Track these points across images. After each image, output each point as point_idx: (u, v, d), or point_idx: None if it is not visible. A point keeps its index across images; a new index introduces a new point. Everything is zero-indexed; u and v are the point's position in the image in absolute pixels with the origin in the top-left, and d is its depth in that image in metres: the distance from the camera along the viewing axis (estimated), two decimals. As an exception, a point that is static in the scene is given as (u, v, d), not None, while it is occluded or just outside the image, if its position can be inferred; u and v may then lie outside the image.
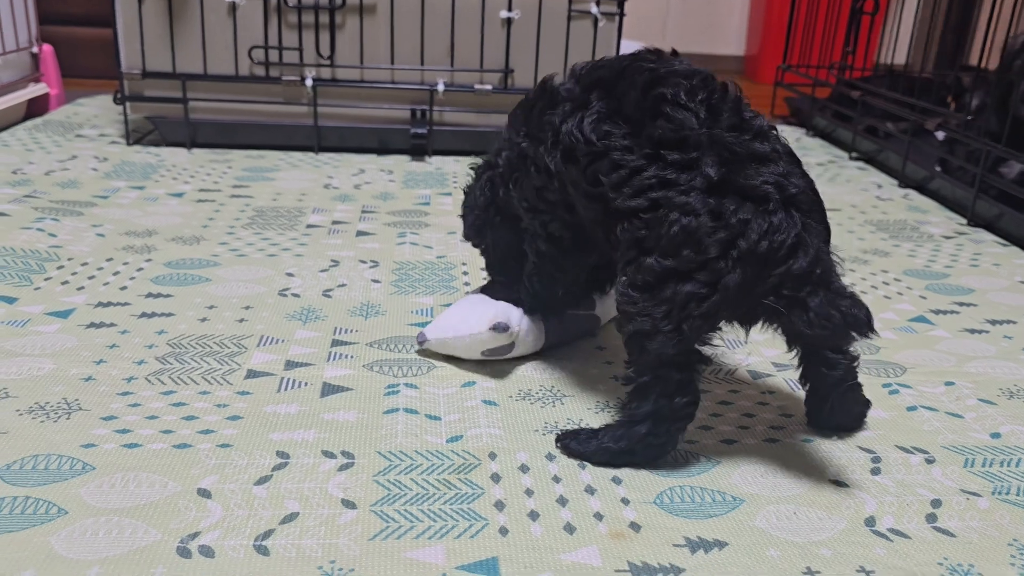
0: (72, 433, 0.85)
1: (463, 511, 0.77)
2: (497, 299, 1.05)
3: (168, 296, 1.18)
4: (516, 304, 1.04)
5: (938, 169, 1.92)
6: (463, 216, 1.09)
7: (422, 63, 1.92)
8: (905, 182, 1.99)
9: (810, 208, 0.78)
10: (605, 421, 0.93)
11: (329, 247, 1.40)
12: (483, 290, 1.10)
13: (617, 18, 1.94)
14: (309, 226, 1.49)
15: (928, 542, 0.76)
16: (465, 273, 1.32)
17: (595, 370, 1.04)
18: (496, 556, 0.72)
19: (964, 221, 1.74)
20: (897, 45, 2.80)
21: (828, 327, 0.75)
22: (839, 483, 0.85)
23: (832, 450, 0.90)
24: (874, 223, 1.70)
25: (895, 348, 1.15)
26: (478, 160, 1.08)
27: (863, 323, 0.76)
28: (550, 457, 0.86)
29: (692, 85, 0.81)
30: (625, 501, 0.80)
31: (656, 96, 0.81)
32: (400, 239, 1.45)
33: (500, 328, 0.98)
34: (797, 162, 0.82)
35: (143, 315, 1.12)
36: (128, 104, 1.90)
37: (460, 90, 1.94)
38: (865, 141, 2.23)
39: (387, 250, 1.40)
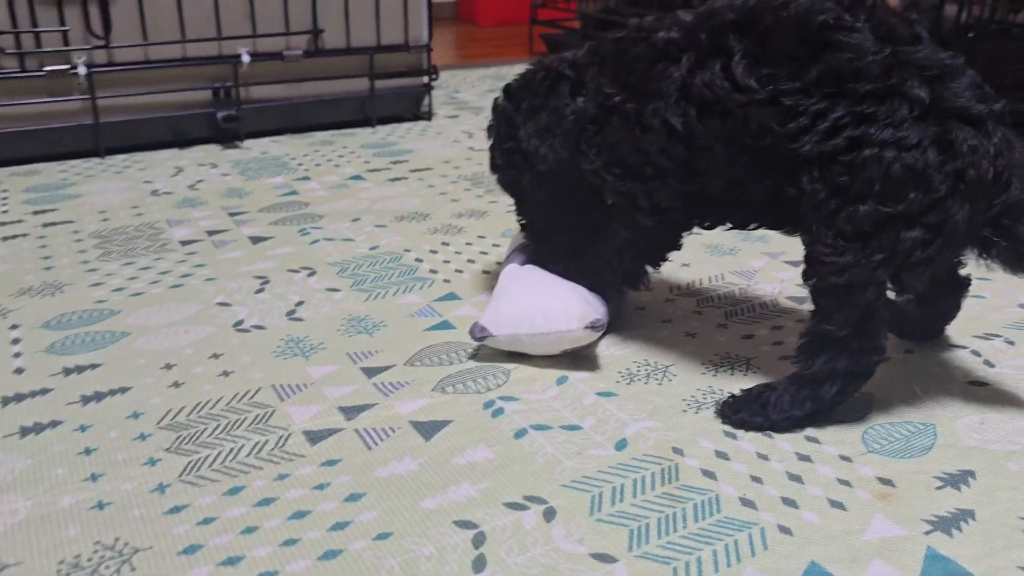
0: (157, 585, 0.59)
1: (724, 522, 0.65)
2: (554, 272, 0.91)
3: (96, 366, 0.87)
4: (579, 280, 0.91)
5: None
6: (493, 162, 0.96)
7: (219, 32, 1.61)
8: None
9: (1004, 121, 0.73)
10: (725, 381, 0.85)
11: (235, 263, 1.12)
12: (530, 258, 0.95)
13: (426, -39, 1.77)
14: (183, 243, 1.19)
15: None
16: (419, 260, 1.13)
17: (664, 332, 0.95)
18: (812, 559, 0.62)
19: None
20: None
21: None
22: (978, 382, 0.85)
23: (935, 354, 0.91)
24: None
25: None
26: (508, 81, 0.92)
27: None
28: (731, 436, 0.76)
29: (849, 5, 0.72)
30: (846, 459, 0.73)
31: (818, 25, 0.71)
32: (305, 236, 1.21)
33: (597, 326, 0.85)
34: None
35: (85, 400, 0.81)
36: None
37: (267, 59, 1.67)
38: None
39: (306, 252, 1.16)
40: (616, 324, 0.96)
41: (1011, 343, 0.93)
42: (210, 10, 1.59)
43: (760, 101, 0.73)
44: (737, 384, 0.84)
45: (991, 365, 0.89)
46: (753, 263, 1.14)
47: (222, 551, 0.62)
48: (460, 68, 2.57)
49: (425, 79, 1.86)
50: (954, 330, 0.95)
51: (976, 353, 0.91)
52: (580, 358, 0.89)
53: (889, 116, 0.68)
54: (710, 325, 0.97)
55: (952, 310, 0.90)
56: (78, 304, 1.00)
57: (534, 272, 0.92)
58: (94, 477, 0.70)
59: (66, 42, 1.49)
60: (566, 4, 2.60)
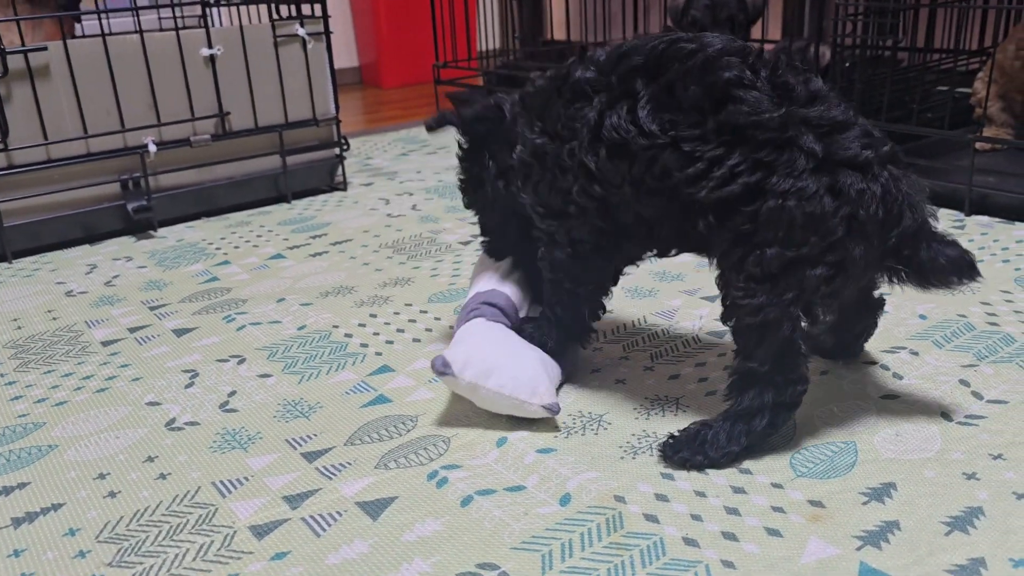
0: None
1: (672, 563, 0.68)
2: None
3: (24, 485, 0.85)
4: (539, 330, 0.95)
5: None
6: (464, 189, 1.03)
7: (122, 125, 1.60)
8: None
9: (895, 162, 0.79)
10: (657, 424, 0.88)
11: (161, 358, 1.11)
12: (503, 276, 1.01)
13: (324, 37, 1.80)
14: (105, 343, 1.17)
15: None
16: (348, 335, 1.14)
17: (595, 382, 0.98)
18: (756, 591, 0.64)
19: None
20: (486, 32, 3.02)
21: (947, 274, 0.77)
22: (890, 395, 0.90)
23: (848, 373, 0.96)
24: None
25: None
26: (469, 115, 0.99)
27: (973, 261, 0.79)
28: (668, 477, 0.79)
29: (751, 63, 0.77)
30: (778, 485, 0.77)
31: (721, 81, 0.76)
32: (231, 323, 1.21)
33: (552, 410, 0.87)
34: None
35: (18, 522, 0.79)
36: None
37: (175, 146, 1.66)
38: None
39: (234, 340, 1.15)
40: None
41: (915, 353, 0.99)
42: (111, 103, 1.59)
43: (661, 145, 0.77)
44: (669, 425, 0.87)
45: (900, 377, 0.94)
46: (672, 303, 1.18)
47: (177, 662, 0.61)
48: (370, 134, 2.60)
49: (336, 151, 1.88)
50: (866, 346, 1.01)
51: (885, 367, 0.96)
52: (507, 418, 0.91)
53: (789, 167, 0.74)
54: (638, 369, 1.00)
55: (870, 328, 0.96)
56: None
57: (508, 331, 0.93)
58: (36, 602, 0.68)
59: (-37, 150, 1.46)
60: (467, 63, 2.66)
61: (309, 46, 1.79)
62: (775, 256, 0.74)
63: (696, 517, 0.73)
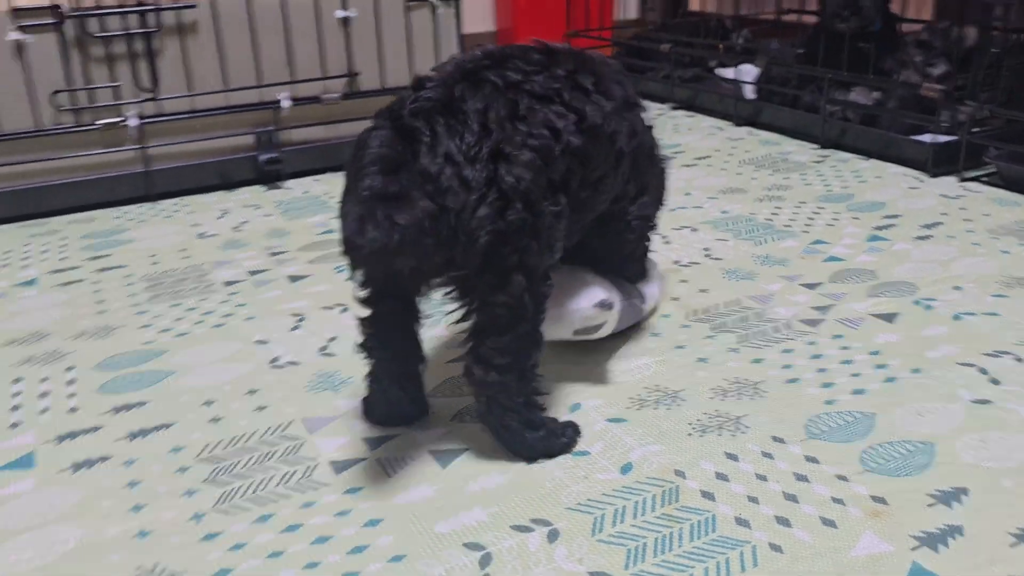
0: (192, 606, 0.65)
1: (718, 540, 0.69)
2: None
3: (141, 404, 0.94)
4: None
5: (753, 97, 2.07)
6: None
7: (259, 81, 1.70)
8: (739, 120, 2.11)
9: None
10: (731, 406, 0.88)
11: (274, 301, 1.19)
12: None
13: (454, 4, 1.84)
14: (227, 283, 1.26)
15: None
16: (446, 294, 1.19)
17: (677, 357, 0.98)
18: (800, 577, 0.65)
19: (815, 145, 1.88)
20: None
21: None
22: (982, 400, 0.87)
23: (943, 372, 0.93)
24: (747, 162, 1.78)
25: (885, 268, 1.21)
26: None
27: None
28: (732, 457, 0.80)
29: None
30: (843, 478, 0.76)
31: None
32: (341, 273, 1.28)
33: (605, 305, 0.91)
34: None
35: (132, 436, 0.88)
36: None
37: (306, 103, 1.75)
38: (679, 90, 2.33)
39: (341, 290, 1.22)
40: (632, 349, 1.00)
41: (1020, 360, 0.95)
42: (250, 60, 1.69)
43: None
44: (743, 408, 0.87)
45: (997, 383, 0.90)
46: (770, 287, 1.17)
47: (250, 575, 0.68)
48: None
49: (457, 114, 1.93)
50: (963, 347, 0.97)
51: (984, 371, 0.93)
52: (589, 380, 0.93)
53: None
54: (722, 350, 1.00)
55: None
56: (128, 345, 1.08)
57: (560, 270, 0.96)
58: (137, 508, 0.77)
59: (117, 97, 1.59)
60: (599, 33, 2.65)
61: (439, 11, 1.84)
62: None
63: (753, 499, 0.74)
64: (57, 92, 1.55)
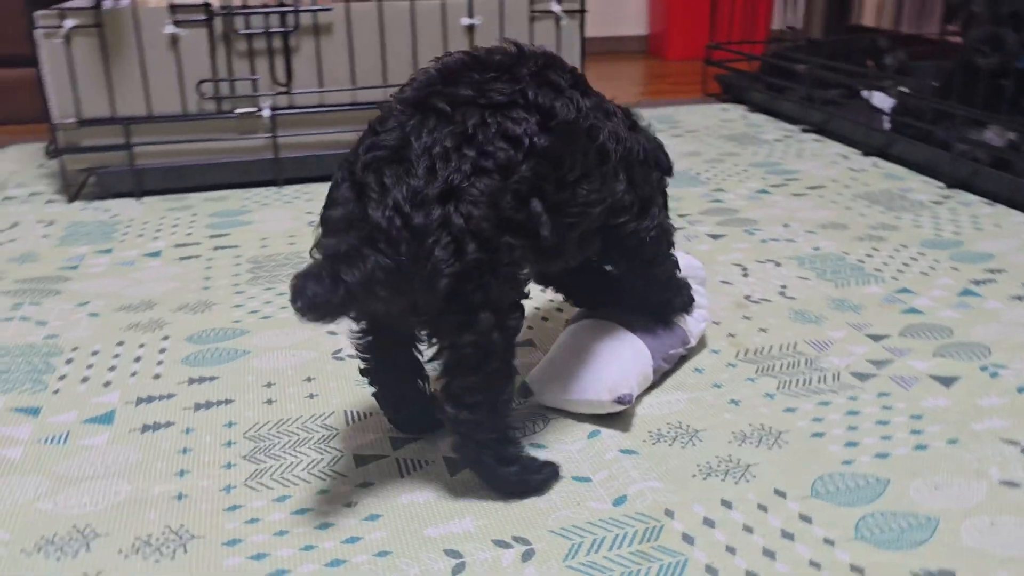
0: (201, 570, 0.74)
1: (680, 586, 0.71)
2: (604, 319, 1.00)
3: (213, 379, 1.05)
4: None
5: (888, 127, 1.98)
6: None
7: (384, 81, 1.81)
8: (868, 150, 2.04)
9: None
10: (747, 453, 0.89)
11: (354, 295, 1.29)
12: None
13: (578, 15, 1.88)
14: (319, 273, 1.37)
15: None
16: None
17: (709, 396, 1.00)
18: (747, 634, 0.66)
19: (941, 184, 1.79)
20: (787, 11, 2.88)
21: None
22: (1010, 483, 0.84)
23: (980, 448, 0.89)
24: (862, 196, 1.73)
25: (965, 327, 1.16)
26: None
27: None
28: (727, 504, 0.81)
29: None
30: (829, 542, 0.76)
31: None
32: (422, 275, 1.36)
33: (625, 401, 0.92)
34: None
35: (198, 407, 0.99)
36: (63, 156, 1.71)
37: (426, 104, 1.84)
38: (812, 112, 2.27)
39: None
40: (669, 383, 1.02)
41: (1072, 445, 0.90)
42: (378, 61, 1.80)
43: None
44: (758, 457, 0.88)
45: (1035, 466, 0.86)
46: (833, 334, 1.15)
47: (255, 547, 0.76)
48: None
49: (574, 123, 1.97)
50: (1014, 423, 0.93)
51: (1026, 451, 0.89)
52: (618, 414, 0.96)
53: None
54: (758, 394, 1.00)
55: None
56: (219, 322, 1.20)
57: (594, 327, 1.00)
58: (182, 473, 0.87)
59: (255, 89, 1.74)
60: (739, 46, 2.60)
61: (563, 23, 1.88)
62: None
63: (731, 549, 0.75)
64: (202, 82, 1.72)
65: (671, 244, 1.01)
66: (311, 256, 0.75)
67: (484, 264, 0.74)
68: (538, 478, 0.83)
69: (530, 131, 0.77)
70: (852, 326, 1.17)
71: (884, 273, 1.34)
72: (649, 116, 2.49)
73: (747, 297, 1.27)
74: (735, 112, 2.49)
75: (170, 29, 1.67)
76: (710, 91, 2.76)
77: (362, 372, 0.89)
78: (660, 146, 0.99)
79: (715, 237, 1.51)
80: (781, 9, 3.55)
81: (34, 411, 0.99)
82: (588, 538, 0.77)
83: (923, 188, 1.77)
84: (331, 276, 0.70)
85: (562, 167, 0.80)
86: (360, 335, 0.86)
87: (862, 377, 1.04)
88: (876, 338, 1.13)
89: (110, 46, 1.66)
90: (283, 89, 1.76)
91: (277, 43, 1.73)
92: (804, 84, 2.31)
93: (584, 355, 0.96)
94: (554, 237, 0.81)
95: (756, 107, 2.53)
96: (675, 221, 1.56)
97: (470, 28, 1.82)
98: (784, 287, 1.30)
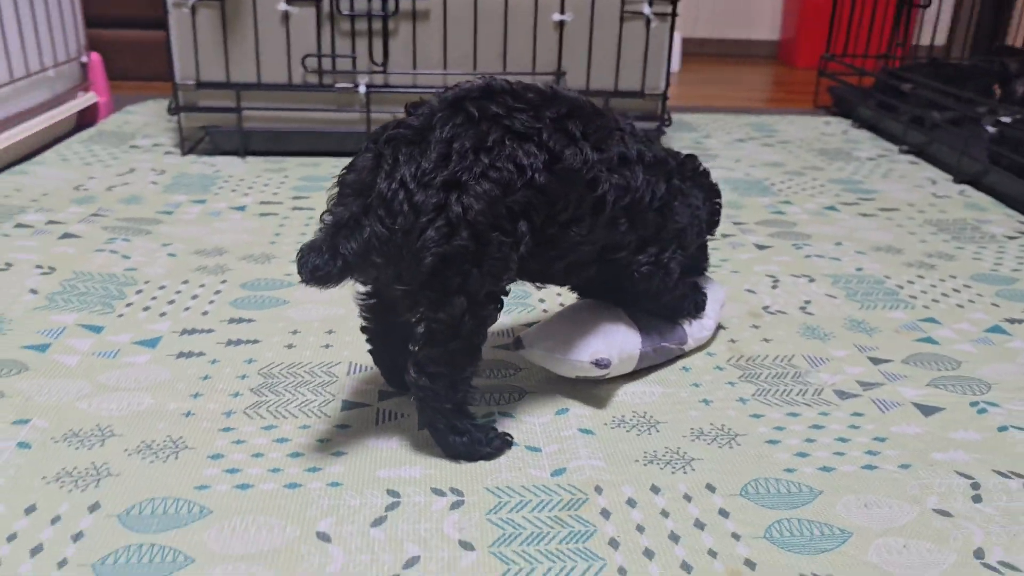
0: (183, 474, 0.87)
1: (579, 551, 0.78)
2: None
3: (250, 321, 1.19)
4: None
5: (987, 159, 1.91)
6: None
7: (474, 67, 1.91)
8: (960, 177, 1.97)
9: None
10: (697, 449, 0.94)
11: (398, 263, 1.40)
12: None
13: (669, 18, 1.92)
14: (375, 240, 1.50)
15: (1042, 577, 0.77)
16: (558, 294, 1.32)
17: (684, 393, 1.05)
18: (620, 600, 0.73)
19: (1026, 219, 1.72)
20: (936, 27, 2.77)
21: None
22: (943, 512, 0.85)
23: (930, 476, 0.91)
24: (933, 223, 1.69)
25: (976, 362, 1.15)
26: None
27: None
28: (655, 490, 0.87)
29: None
30: (736, 536, 0.81)
31: None
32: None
33: (603, 364, 0.99)
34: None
35: (229, 343, 1.13)
36: (182, 114, 1.91)
37: (511, 93, 1.94)
38: (914, 133, 2.20)
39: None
40: (653, 376, 1.08)
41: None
42: (470, 49, 1.90)
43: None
44: (706, 453, 0.93)
45: (977, 501, 0.87)
46: (835, 352, 1.16)
47: (232, 463, 0.89)
48: (734, 112, 2.65)
49: (656, 123, 2.01)
50: (977, 458, 0.93)
51: (975, 486, 0.89)
52: (592, 395, 1.03)
53: None
54: (732, 398, 1.04)
55: None
56: (273, 274, 1.35)
57: (597, 305, 1.07)
58: (196, 395, 1.01)
59: (354, 66, 1.89)
60: (851, 59, 2.55)
61: (653, 25, 1.92)
62: None
63: (640, 528, 0.81)
64: (307, 56, 1.87)
65: (668, 273, 1.04)
66: (320, 220, 0.86)
67: (470, 253, 0.82)
68: (485, 450, 0.91)
69: (535, 166, 0.84)
70: (858, 347, 1.18)
71: (917, 301, 1.33)
72: (748, 124, 2.49)
73: (765, 308, 1.29)
74: (837, 126, 2.45)
75: (283, 7, 1.83)
76: (821, 103, 2.72)
77: (362, 330, 1.00)
78: (712, 198, 1.13)
79: (761, 247, 1.53)
80: (926, 24, 3.41)
81: (97, 329, 1.15)
82: (516, 499, 0.85)
83: (1003, 221, 1.71)
84: (330, 249, 0.80)
85: (555, 206, 0.88)
86: (364, 297, 0.96)
87: (843, 396, 1.06)
88: (877, 361, 1.14)
89: (229, 18, 1.84)
90: (379, 68, 1.90)
91: (377, 25, 1.86)
92: (911, 104, 2.25)
93: (579, 323, 1.03)
94: (537, 264, 0.90)
95: (862, 123, 2.48)
96: (729, 229, 1.60)
97: (560, 24, 1.90)
98: (807, 302, 1.31)
